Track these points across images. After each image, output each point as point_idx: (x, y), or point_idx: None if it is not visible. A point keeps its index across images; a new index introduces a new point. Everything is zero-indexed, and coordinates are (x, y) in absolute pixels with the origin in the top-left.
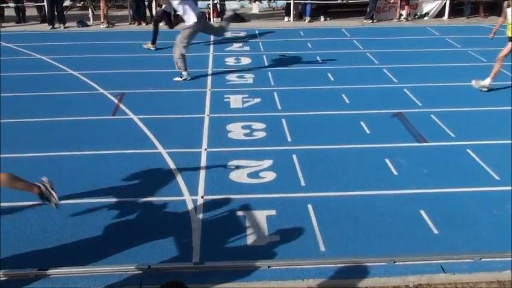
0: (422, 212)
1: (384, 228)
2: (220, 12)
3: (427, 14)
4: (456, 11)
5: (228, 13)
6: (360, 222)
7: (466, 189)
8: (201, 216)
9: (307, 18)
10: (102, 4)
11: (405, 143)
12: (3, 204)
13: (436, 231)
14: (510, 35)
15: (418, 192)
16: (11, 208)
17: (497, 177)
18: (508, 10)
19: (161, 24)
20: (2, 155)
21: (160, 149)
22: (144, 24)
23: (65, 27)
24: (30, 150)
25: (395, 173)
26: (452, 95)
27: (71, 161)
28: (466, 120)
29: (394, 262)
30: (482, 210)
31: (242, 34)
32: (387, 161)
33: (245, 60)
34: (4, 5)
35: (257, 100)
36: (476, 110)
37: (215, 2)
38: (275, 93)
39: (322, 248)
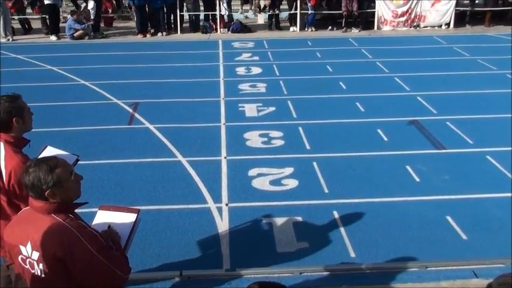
0: (449, 218)
1: (411, 234)
2: (226, 23)
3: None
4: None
5: None
6: (387, 228)
7: (490, 195)
8: (227, 223)
9: (311, 28)
10: None
11: (424, 150)
12: None
13: (464, 237)
14: None
15: (442, 199)
16: None
17: None
18: None
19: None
20: None
21: (180, 157)
22: (149, 35)
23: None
24: None
25: (417, 179)
26: (466, 102)
27: (91, 170)
28: (482, 127)
29: (426, 268)
30: (509, 215)
31: (250, 44)
32: (408, 167)
33: (256, 70)
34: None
35: (272, 109)
36: (491, 117)
37: (222, 13)
38: (289, 102)
39: (352, 254)
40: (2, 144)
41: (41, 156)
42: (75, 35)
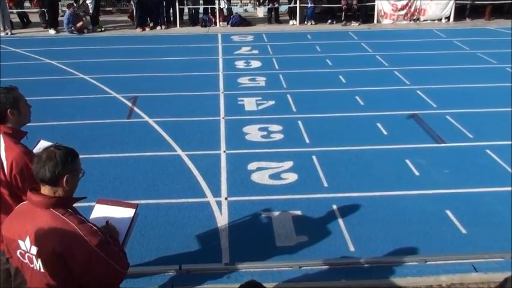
0: (448, 212)
1: (411, 228)
2: (226, 17)
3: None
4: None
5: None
6: (386, 222)
7: (489, 189)
8: (226, 217)
9: (310, 22)
10: None
11: (424, 143)
12: None
13: (464, 231)
14: None
15: (441, 193)
16: None
17: None
18: None
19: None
20: None
21: (179, 151)
22: (148, 29)
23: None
24: None
25: (416, 173)
26: (465, 96)
27: (90, 164)
28: (482, 121)
29: (426, 262)
30: (509, 209)
31: (249, 38)
32: (408, 161)
33: (255, 64)
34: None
35: (271, 102)
36: (491, 111)
37: (221, 6)
38: (288, 96)
39: (352, 248)
40: (1, 136)
41: (35, 150)
42: (77, 25)
